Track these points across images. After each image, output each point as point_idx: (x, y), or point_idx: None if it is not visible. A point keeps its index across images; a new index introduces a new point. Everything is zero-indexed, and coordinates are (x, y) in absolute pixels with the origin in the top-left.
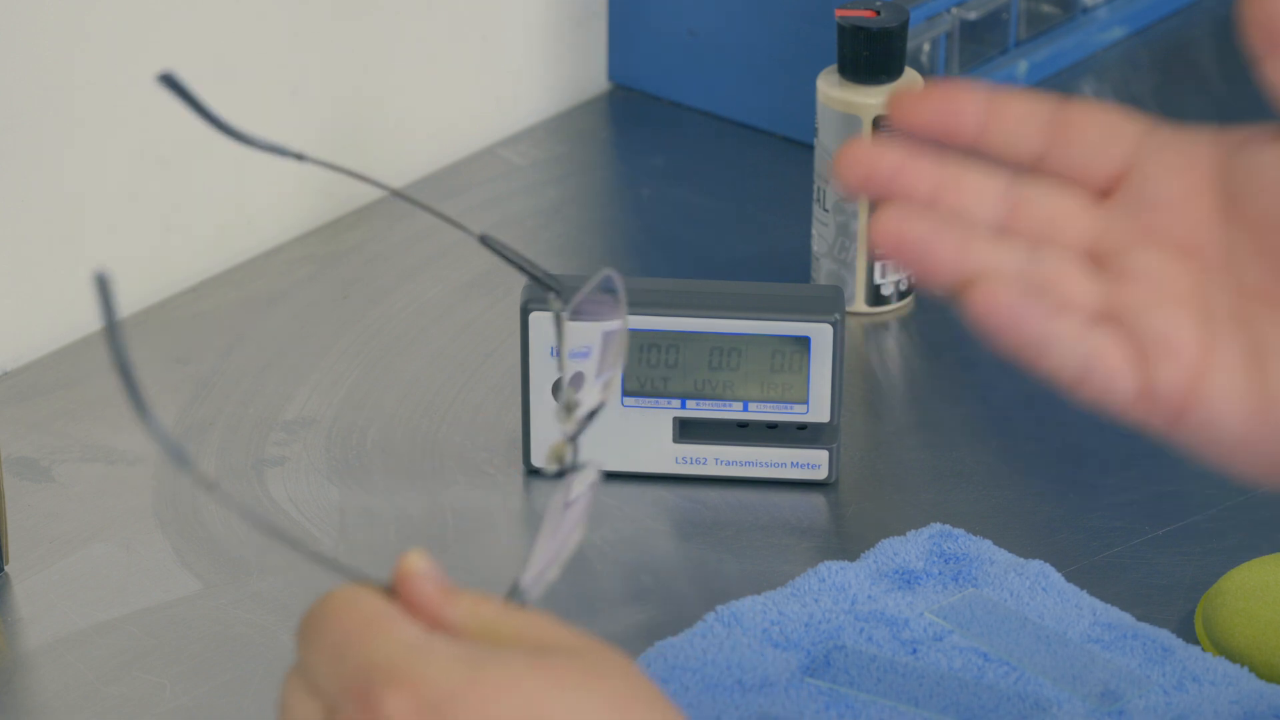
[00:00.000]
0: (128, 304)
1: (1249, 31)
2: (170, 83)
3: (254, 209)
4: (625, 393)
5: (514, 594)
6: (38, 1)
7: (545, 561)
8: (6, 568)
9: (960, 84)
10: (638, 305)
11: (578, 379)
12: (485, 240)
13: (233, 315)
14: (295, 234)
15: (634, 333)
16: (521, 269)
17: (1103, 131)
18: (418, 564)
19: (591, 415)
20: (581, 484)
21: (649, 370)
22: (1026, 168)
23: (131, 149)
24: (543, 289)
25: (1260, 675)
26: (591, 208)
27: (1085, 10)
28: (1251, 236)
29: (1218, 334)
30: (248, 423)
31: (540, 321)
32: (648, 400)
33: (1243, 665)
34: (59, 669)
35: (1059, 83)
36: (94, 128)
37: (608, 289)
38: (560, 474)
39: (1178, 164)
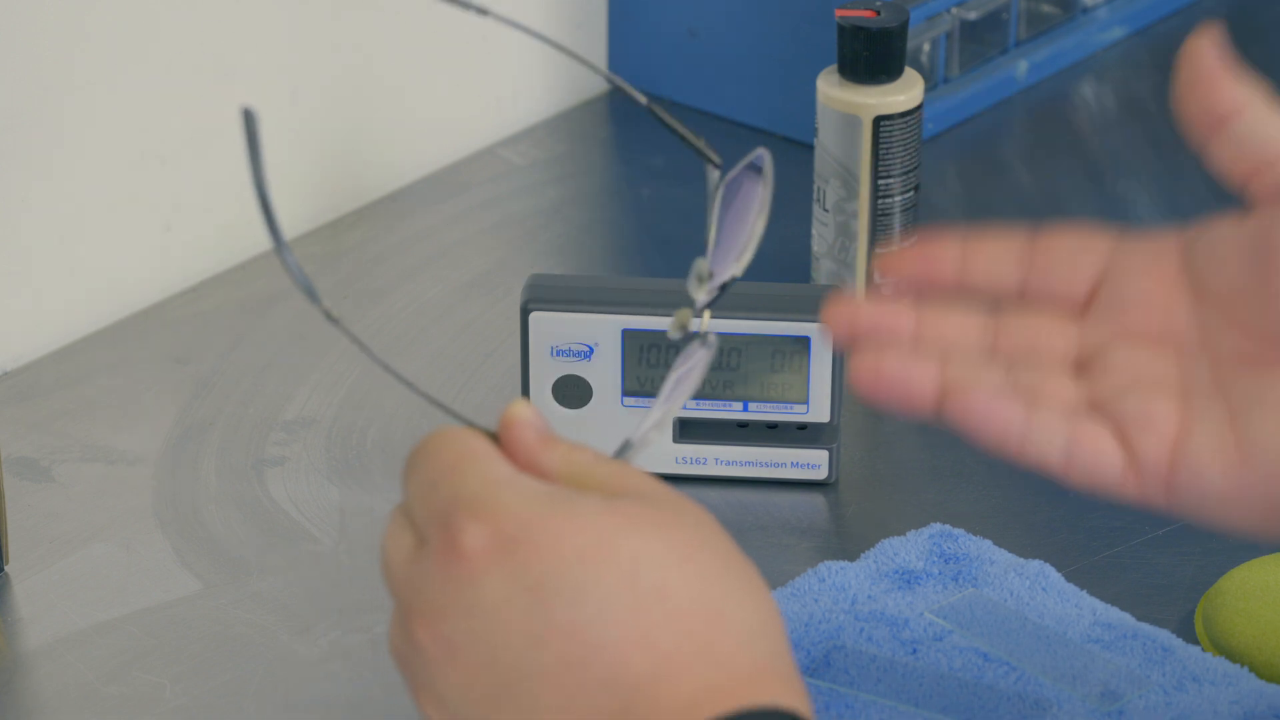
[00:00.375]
0: (128, 304)
1: (1188, 122)
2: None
3: (254, 209)
4: (625, 393)
5: (623, 450)
6: (37, 1)
7: (653, 421)
8: (6, 568)
9: (935, 235)
10: (639, 305)
11: (718, 249)
12: (651, 109)
13: (233, 315)
14: (295, 234)
15: (634, 333)
16: (684, 139)
17: (1073, 251)
18: (522, 412)
19: (725, 287)
20: (699, 352)
21: (649, 370)
22: (1009, 299)
23: (131, 149)
24: (705, 161)
25: (1260, 675)
26: (591, 208)
27: (1085, 10)
28: (1221, 310)
29: (1196, 403)
30: (248, 423)
31: (540, 321)
32: (648, 400)
33: (1243, 665)
34: (59, 669)
35: (1059, 83)
36: (95, 127)
37: (757, 166)
38: (683, 341)
39: (1145, 265)
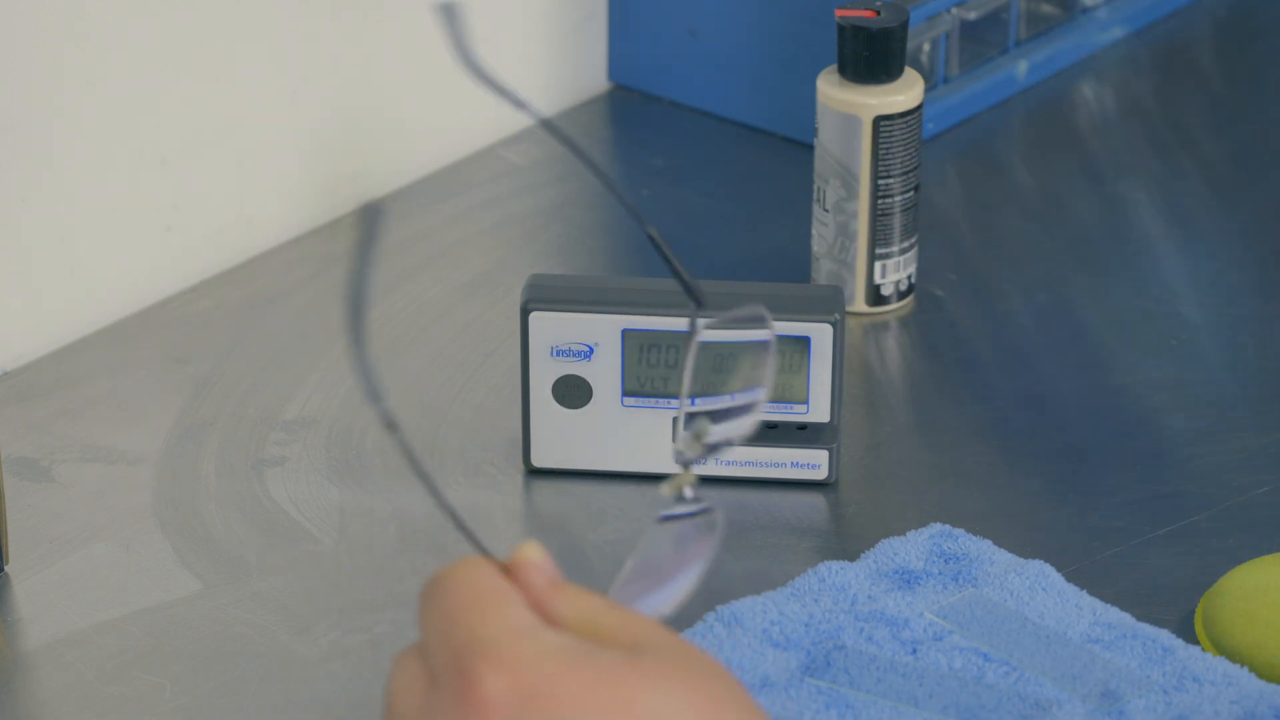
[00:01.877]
0: (128, 304)
1: None
2: (448, 13)
3: (254, 209)
4: (625, 393)
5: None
6: (37, 2)
7: (643, 584)
8: (6, 568)
9: None
10: (639, 305)
11: (718, 410)
12: (651, 236)
13: (233, 315)
14: (295, 234)
15: (634, 333)
16: (675, 275)
17: None
18: (532, 554)
19: (717, 447)
20: (708, 537)
21: (649, 370)
22: None
23: (131, 149)
24: (688, 298)
25: (1260, 675)
26: (591, 208)
27: (1085, 10)
28: None
29: None
30: (248, 423)
31: (540, 321)
32: (648, 400)
33: (1243, 665)
34: (59, 669)
35: (1059, 83)
36: (94, 128)
37: (755, 316)
38: (678, 500)
39: None
